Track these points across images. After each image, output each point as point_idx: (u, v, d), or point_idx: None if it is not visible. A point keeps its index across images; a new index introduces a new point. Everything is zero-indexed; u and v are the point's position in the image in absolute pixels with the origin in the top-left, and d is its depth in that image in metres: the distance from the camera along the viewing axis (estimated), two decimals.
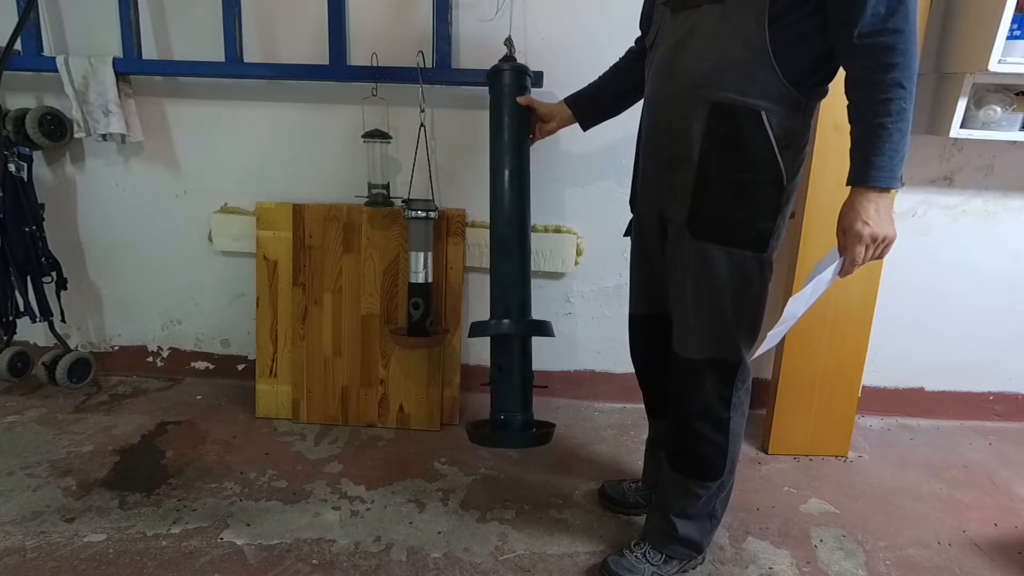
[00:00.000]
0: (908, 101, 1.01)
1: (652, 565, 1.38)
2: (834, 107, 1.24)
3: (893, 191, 1.07)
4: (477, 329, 1.60)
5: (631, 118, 1.76)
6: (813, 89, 1.13)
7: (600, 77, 1.53)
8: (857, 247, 1.08)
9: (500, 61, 1.67)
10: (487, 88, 1.67)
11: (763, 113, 1.10)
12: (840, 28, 1.03)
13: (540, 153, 1.96)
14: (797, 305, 1.16)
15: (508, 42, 1.68)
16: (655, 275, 1.36)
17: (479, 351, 2.17)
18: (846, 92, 1.08)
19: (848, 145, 1.08)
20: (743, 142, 1.12)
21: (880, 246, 1.08)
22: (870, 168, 1.04)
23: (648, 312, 1.43)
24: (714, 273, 1.19)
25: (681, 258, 1.24)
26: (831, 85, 1.18)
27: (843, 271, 1.12)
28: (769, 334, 1.18)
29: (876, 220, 1.06)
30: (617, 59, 1.51)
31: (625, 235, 1.46)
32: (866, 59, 1.02)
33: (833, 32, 1.06)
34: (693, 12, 1.15)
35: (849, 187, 1.08)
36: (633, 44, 1.48)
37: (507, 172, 1.61)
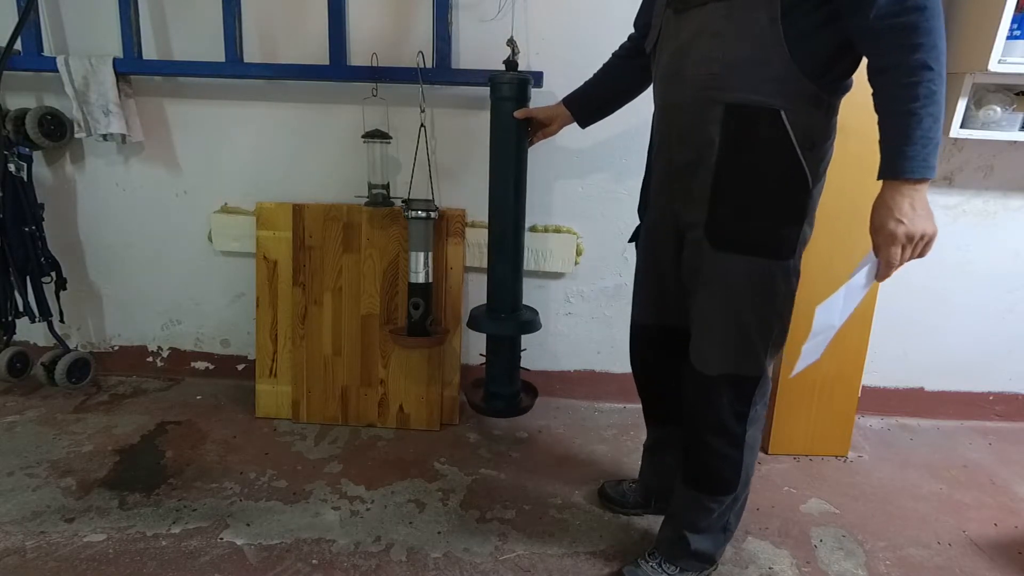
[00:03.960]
0: (937, 83, 0.93)
1: (668, 575, 1.36)
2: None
3: (927, 182, 0.97)
4: (473, 322, 1.82)
5: (632, 117, 1.78)
6: (835, 84, 1.07)
7: (593, 76, 1.51)
8: (892, 248, 0.98)
9: (504, 63, 1.68)
10: (488, 90, 1.68)
11: (782, 112, 1.04)
12: (856, 11, 0.96)
13: (541, 154, 1.96)
14: (829, 315, 1.08)
15: (511, 43, 1.68)
16: (665, 286, 1.31)
17: (479, 351, 2.17)
18: (869, 80, 0.99)
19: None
20: (762, 144, 1.07)
21: (919, 245, 0.98)
22: (901, 159, 0.95)
23: (654, 323, 1.39)
24: (736, 285, 1.14)
25: (701, 269, 1.18)
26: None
27: (879, 275, 1.03)
28: (804, 348, 1.11)
29: (911, 216, 0.96)
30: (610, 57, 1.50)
31: (630, 241, 1.43)
32: (887, 42, 0.95)
33: (849, 16, 0.98)
34: (698, 12, 1.10)
35: (880, 182, 1.00)
36: (625, 42, 1.45)
37: (506, 181, 1.70)
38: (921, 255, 1.00)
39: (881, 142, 0.98)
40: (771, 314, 1.16)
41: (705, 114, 1.11)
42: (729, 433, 1.23)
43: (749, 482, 1.32)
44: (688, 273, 1.23)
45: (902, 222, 0.97)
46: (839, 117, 1.12)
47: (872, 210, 1.01)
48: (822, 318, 1.08)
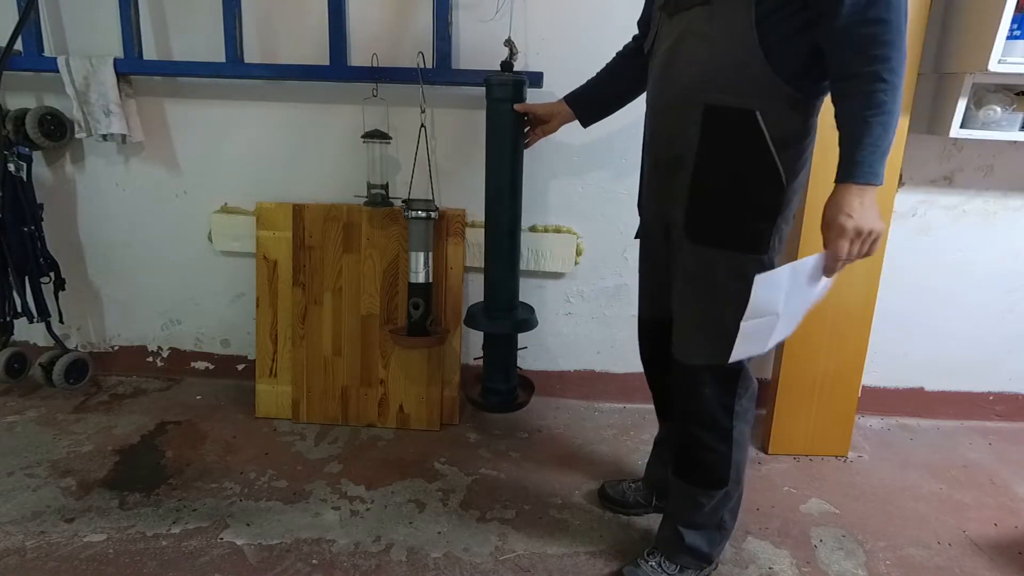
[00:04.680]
0: (890, 94, 0.98)
1: (667, 574, 1.37)
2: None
3: (877, 186, 1.03)
4: (471, 320, 1.84)
5: (631, 117, 1.77)
6: (810, 87, 1.10)
7: (596, 75, 1.53)
8: (840, 240, 1.04)
9: (500, 64, 1.68)
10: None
11: (757, 114, 1.08)
12: (821, 19, 1.01)
13: (540, 154, 1.96)
14: (770, 295, 1.09)
15: (508, 43, 1.68)
16: (660, 280, 1.35)
17: (480, 351, 2.17)
18: (830, 86, 1.05)
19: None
20: (738, 144, 1.11)
21: (867, 241, 1.04)
22: (850, 164, 1.01)
23: (654, 315, 1.42)
24: (713, 278, 1.18)
25: (681, 263, 1.23)
26: None
27: (827, 268, 1.08)
28: (742, 327, 1.11)
29: (860, 213, 1.02)
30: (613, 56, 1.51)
31: (636, 237, 1.46)
32: (846, 51, 1.00)
33: (817, 24, 1.03)
34: (686, 15, 1.15)
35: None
36: (630, 42, 1.47)
37: (501, 181, 1.71)
38: (868, 253, 1.06)
39: (839, 146, 1.04)
40: (746, 306, 1.17)
41: (686, 115, 1.15)
42: (718, 427, 1.26)
43: (742, 480, 1.34)
44: (672, 266, 1.28)
45: (851, 217, 1.02)
46: (827, 117, 1.13)
47: (824, 208, 1.06)
48: (762, 293, 1.08)
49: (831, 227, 1.05)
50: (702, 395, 1.24)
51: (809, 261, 1.09)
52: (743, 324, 1.12)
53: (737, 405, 1.25)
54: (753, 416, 1.31)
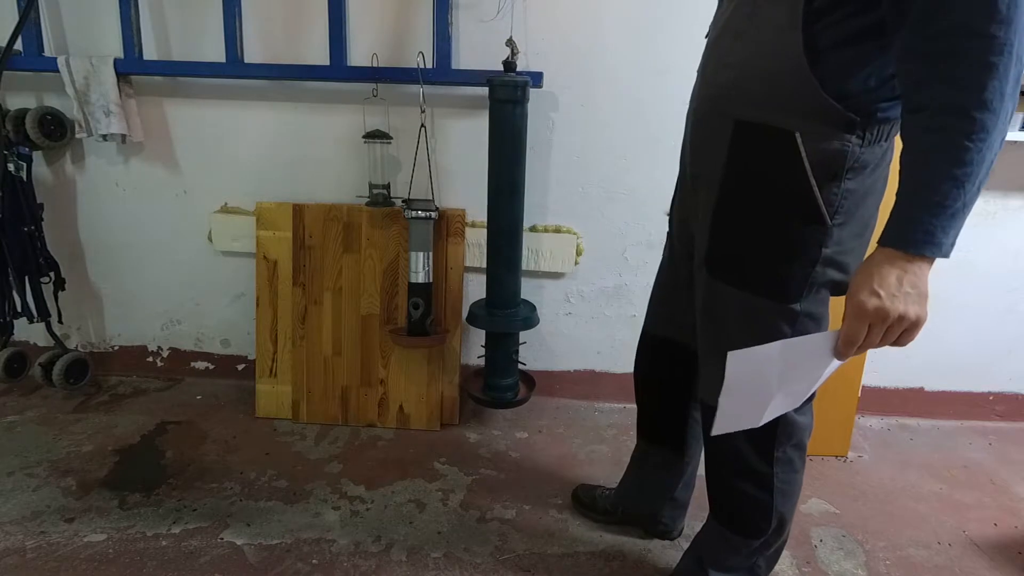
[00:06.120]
0: (978, 140, 0.72)
1: None
2: None
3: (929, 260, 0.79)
4: (472, 319, 1.89)
5: (632, 116, 1.78)
6: (872, 105, 0.87)
7: None
8: (856, 322, 0.81)
9: (503, 64, 1.69)
10: (488, 90, 1.68)
11: (797, 136, 0.87)
12: (895, 29, 0.78)
13: (541, 154, 1.96)
14: (753, 372, 0.89)
15: (510, 43, 1.68)
16: (678, 297, 1.23)
17: (479, 351, 2.17)
18: (901, 115, 0.82)
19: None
20: (771, 169, 0.92)
21: (895, 330, 0.81)
22: (901, 223, 0.78)
23: (660, 333, 1.30)
24: (726, 319, 1.03)
25: (699, 293, 1.09)
26: None
27: (837, 352, 0.85)
28: (720, 403, 0.93)
29: (893, 292, 0.78)
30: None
31: (668, 213, 1.30)
32: (918, 70, 0.75)
33: (887, 31, 0.81)
34: (729, 4, 0.97)
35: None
36: None
37: (503, 183, 1.73)
38: (899, 343, 0.82)
39: (896, 196, 0.81)
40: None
41: (716, 128, 0.99)
42: (753, 472, 1.12)
43: (785, 530, 1.20)
44: (696, 290, 1.14)
45: (878, 295, 0.79)
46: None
47: (854, 274, 0.85)
48: (739, 371, 0.88)
49: (850, 301, 0.83)
50: (730, 438, 1.09)
51: (812, 340, 0.89)
52: (720, 400, 0.94)
53: (778, 451, 1.09)
54: (803, 464, 1.14)
